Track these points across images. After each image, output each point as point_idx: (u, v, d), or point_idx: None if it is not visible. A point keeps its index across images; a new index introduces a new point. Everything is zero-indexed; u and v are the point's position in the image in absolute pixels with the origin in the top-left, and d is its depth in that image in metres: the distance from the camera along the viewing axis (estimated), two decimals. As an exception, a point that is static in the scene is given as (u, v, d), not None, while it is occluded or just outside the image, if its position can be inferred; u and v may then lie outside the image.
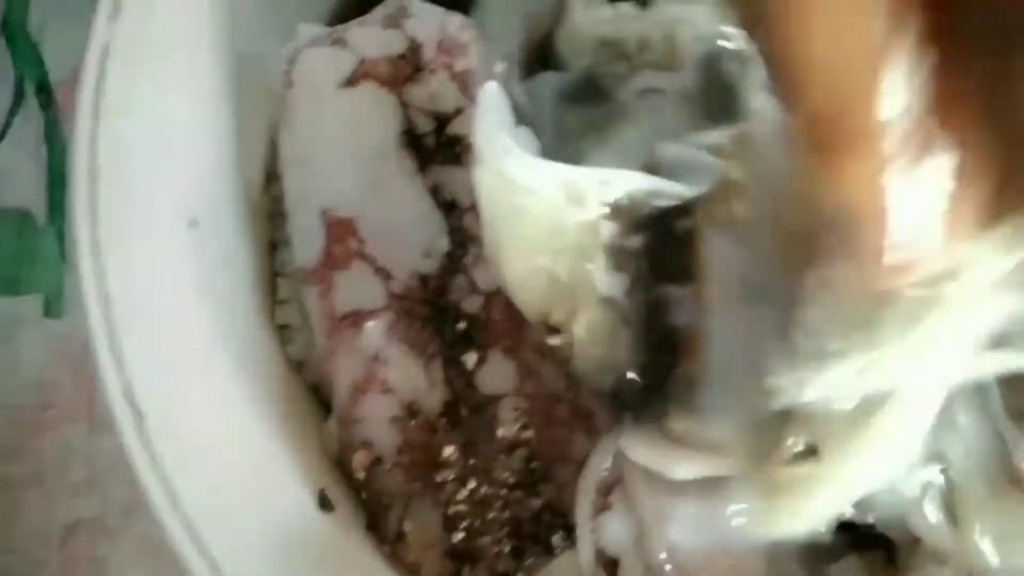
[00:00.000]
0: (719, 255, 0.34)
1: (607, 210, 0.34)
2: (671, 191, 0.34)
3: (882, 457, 0.33)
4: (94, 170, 0.40)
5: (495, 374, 0.38)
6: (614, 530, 0.38)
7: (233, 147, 0.43)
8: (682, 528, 0.38)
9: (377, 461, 0.38)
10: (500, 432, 0.38)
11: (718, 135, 0.35)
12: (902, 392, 0.32)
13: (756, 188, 0.33)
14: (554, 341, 0.36)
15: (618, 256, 0.35)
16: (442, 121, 0.40)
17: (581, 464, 0.38)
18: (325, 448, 0.40)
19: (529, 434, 0.38)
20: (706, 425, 0.34)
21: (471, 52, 0.40)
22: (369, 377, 0.38)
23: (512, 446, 0.38)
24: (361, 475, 0.39)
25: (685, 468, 0.35)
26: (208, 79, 0.42)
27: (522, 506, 0.38)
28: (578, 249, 0.35)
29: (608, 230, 0.34)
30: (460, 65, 0.40)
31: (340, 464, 0.40)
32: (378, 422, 0.38)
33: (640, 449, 0.35)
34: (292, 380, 0.42)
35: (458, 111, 0.39)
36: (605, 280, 0.35)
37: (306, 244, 0.39)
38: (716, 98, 0.38)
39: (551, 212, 0.34)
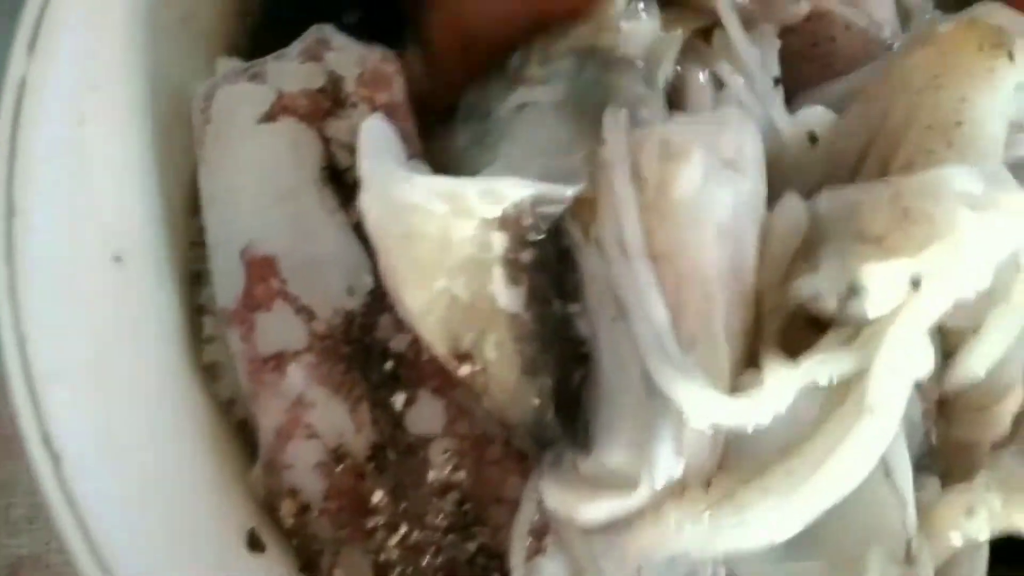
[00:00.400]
0: (591, 273, 0.34)
1: (496, 220, 0.34)
2: (556, 195, 0.34)
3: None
4: (10, 207, 0.39)
5: (424, 415, 0.37)
6: (550, 573, 0.37)
7: (156, 180, 0.41)
8: (619, 569, 0.37)
9: (304, 508, 0.37)
10: (431, 475, 0.37)
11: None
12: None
13: (604, 208, 0.33)
14: (464, 371, 0.35)
15: (514, 270, 0.34)
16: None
17: (516, 505, 0.37)
18: (252, 494, 0.39)
19: (461, 476, 0.37)
20: (605, 453, 0.33)
21: (394, 84, 0.38)
22: (294, 422, 0.37)
23: (444, 489, 0.37)
24: (290, 522, 0.37)
25: (593, 509, 0.34)
26: (128, 112, 0.40)
27: (456, 550, 0.37)
28: (474, 265, 0.34)
29: (500, 242, 0.34)
30: (382, 98, 0.38)
31: (269, 510, 0.39)
32: (304, 468, 0.37)
33: (553, 493, 0.35)
34: (219, 420, 0.41)
35: (381, 145, 0.38)
36: (505, 295, 0.34)
37: (227, 284, 0.38)
38: (589, 107, 0.37)
39: (440, 228, 0.34)
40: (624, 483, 0.34)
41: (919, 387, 0.38)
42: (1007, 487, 0.38)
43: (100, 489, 0.37)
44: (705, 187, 0.34)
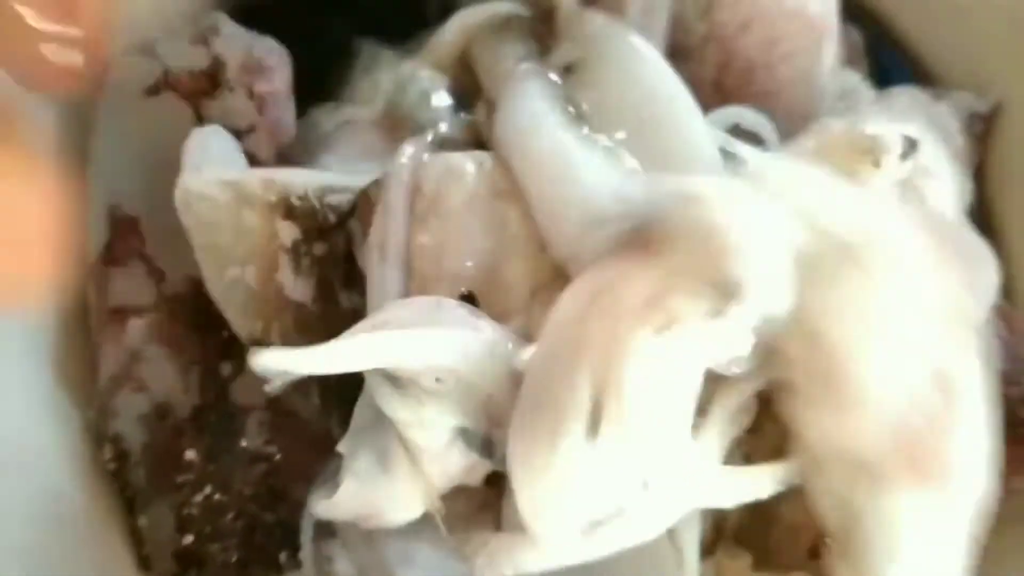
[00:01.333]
0: (371, 276, 0.35)
1: (282, 209, 0.35)
2: (341, 184, 0.35)
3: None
4: None
5: (249, 387, 0.39)
6: (341, 567, 0.38)
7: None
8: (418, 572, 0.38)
9: (124, 455, 0.39)
10: (243, 443, 0.39)
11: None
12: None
13: (378, 214, 0.34)
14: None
15: (304, 260, 0.36)
16: (235, 136, 0.41)
17: (320, 488, 0.38)
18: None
19: (272, 450, 0.39)
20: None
21: (275, 76, 0.41)
22: (126, 373, 0.40)
23: (254, 459, 0.39)
24: (111, 467, 0.40)
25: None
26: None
27: (255, 519, 0.39)
28: (263, 255, 0.36)
29: (289, 233, 0.35)
30: (260, 86, 0.41)
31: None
32: (129, 418, 0.40)
33: (321, 502, 0.35)
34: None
35: (251, 128, 0.41)
36: (292, 284, 0.35)
37: (95, 240, 0.41)
38: (401, 121, 0.39)
39: (229, 216, 0.35)
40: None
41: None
42: None
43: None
44: (470, 207, 0.34)
